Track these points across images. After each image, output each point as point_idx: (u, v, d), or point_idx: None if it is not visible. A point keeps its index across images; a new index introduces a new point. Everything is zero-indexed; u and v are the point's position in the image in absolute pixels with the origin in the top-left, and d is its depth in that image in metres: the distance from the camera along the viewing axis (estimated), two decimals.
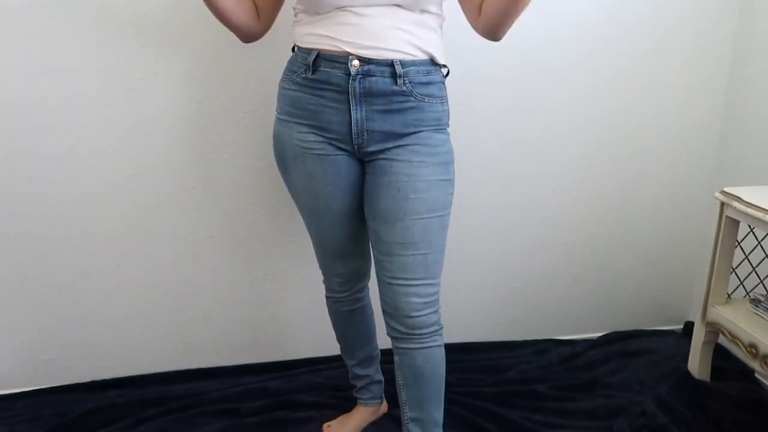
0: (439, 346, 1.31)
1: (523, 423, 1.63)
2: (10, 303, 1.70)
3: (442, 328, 1.31)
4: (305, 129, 1.26)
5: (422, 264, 1.25)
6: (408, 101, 1.21)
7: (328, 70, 1.20)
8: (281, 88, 1.30)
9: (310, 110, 1.24)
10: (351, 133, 1.23)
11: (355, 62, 1.17)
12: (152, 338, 1.82)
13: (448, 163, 1.27)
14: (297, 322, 1.91)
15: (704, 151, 1.99)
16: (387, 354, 1.65)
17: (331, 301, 1.53)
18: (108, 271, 1.74)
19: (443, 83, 1.28)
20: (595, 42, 1.81)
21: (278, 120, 1.32)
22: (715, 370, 1.80)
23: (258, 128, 1.70)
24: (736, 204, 1.56)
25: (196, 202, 1.73)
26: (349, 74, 1.18)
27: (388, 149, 1.24)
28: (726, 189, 1.62)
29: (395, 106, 1.21)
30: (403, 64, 1.19)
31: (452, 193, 1.29)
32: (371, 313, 1.57)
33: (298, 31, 1.25)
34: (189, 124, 1.66)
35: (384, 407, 1.68)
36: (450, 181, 1.28)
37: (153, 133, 1.65)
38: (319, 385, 1.79)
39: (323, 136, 1.25)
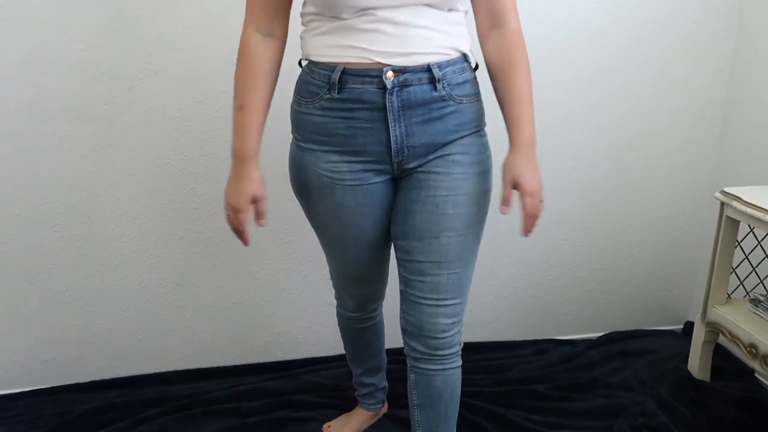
0: (458, 366, 1.24)
1: (523, 423, 1.62)
2: (10, 303, 1.70)
3: (462, 346, 1.25)
4: (336, 157, 1.13)
5: (455, 283, 1.17)
6: (447, 106, 1.11)
7: (358, 86, 1.06)
8: (297, 112, 1.16)
9: (340, 135, 1.10)
10: (390, 152, 1.11)
11: (390, 74, 1.05)
12: (152, 338, 1.82)
13: (488, 171, 1.18)
14: (297, 322, 1.91)
15: (704, 152, 1.99)
16: (392, 354, 1.65)
17: (343, 318, 1.48)
18: (108, 271, 1.74)
19: (475, 78, 1.17)
20: (598, 46, 1.81)
21: (298, 146, 1.18)
22: (715, 370, 1.80)
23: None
24: (736, 204, 1.56)
25: (196, 202, 1.73)
26: (384, 88, 1.05)
27: (428, 161, 1.14)
28: (726, 189, 1.62)
29: (435, 114, 1.10)
30: (440, 66, 1.08)
31: (490, 202, 1.19)
32: (383, 326, 1.53)
33: (313, 42, 1.10)
34: (189, 124, 1.66)
35: (384, 408, 1.68)
36: (489, 191, 1.19)
37: (153, 133, 1.65)
38: (319, 385, 1.79)
39: (358, 162, 1.13)
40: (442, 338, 1.19)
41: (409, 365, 1.27)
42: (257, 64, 1.11)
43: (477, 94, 1.17)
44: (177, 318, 1.82)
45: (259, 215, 1.16)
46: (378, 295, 1.42)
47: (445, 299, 1.17)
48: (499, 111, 1.16)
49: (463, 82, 1.13)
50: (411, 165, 1.14)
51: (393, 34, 1.04)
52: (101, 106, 1.60)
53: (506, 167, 1.12)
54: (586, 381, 1.82)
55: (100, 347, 1.80)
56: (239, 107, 1.12)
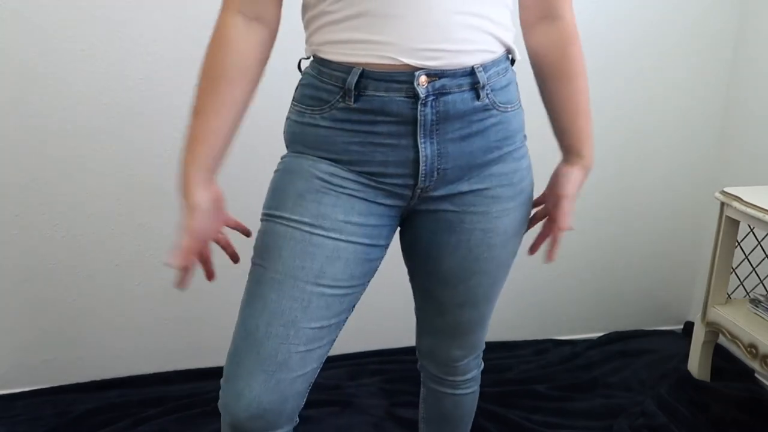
0: (472, 392, 1.15)
1: (523, 423, 1.63)
2: (10, 303, 1.70)
3: (480, 369, 1.15)
4: (342, 169, 0.87)
5: (478, 321, 1.05)
6: (490, 117, 0.87)
7: (381, 94, 0.81)
8: (296, 124, 0.89)
9: (353, 152, 0.85)
10: (415, 176, 0.87)
11: (423, 79, 0.80)
12: (152, 338, 1.82)
13: (530, 198, 0.99)
14: None
15: (704, 152, 1.99)
16: (390, 354, 1.65)
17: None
18: (108, 271, 1.74)
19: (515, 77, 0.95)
20: (598, 47, 1.81)
21: (290, 156, 0.91)
22: (715, 370, 1.80)
23: (258, 128, 1.70)
24: (736, 204, 1.56)
25: None
26: (414, 97, 0.81)
27: (460, 195, 0.91)
28: (726, 189, 1.62)
29: (474, 128, 0.87)
30: (485, 67, 0.84)
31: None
32: None
33: (322, 34, 0.84)
34: None
35: None
36: (528, 218, 1.01)
37: (153, 133, 1.65)
38: (318, 384, 1.77)
39: (371, 180, 0.87)
40: (455, 365, 1.10)
41: (421, 378, 1.20)
42: (234, 56, 0.86)
43: (520, 99, 0.96)
44: (177, 318, 1.82)
45: (205, 262, 0.92)
46: (294, 407, 0.93)
47: (465, 334, 1.06)
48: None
49: (507, 85, 0.90)
50: (436, 193, 0.90)
51: (422, 22, 0.78)
52: (101, 105, 1.60)
53: (559, 181, 0.99)
54: (586, 381, 1.82)
55: (100, 347, 1.80)
56: (195, 112, 0.86)
